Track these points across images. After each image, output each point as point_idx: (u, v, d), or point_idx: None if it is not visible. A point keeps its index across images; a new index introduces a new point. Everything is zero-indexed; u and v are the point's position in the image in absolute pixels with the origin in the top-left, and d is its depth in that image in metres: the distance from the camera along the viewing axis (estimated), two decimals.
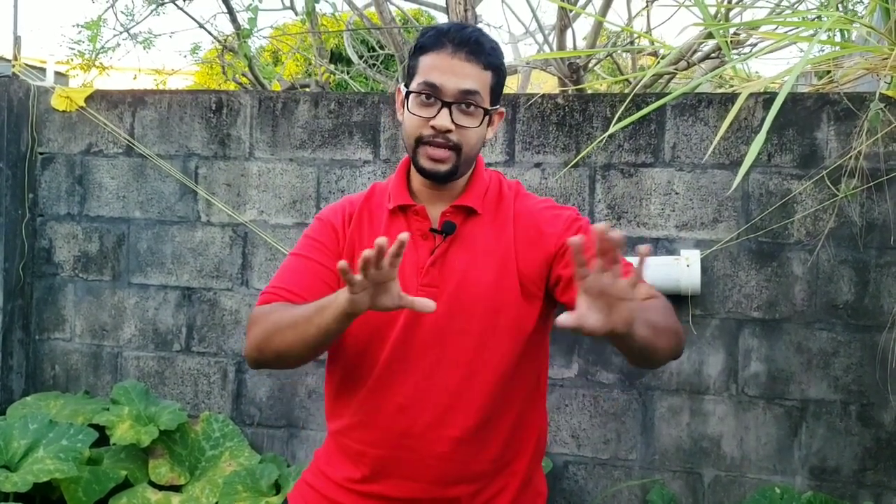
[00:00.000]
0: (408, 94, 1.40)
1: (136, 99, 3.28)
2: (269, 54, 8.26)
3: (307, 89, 5.25)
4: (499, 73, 1.41)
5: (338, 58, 7.99)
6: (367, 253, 1.14)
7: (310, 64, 6.65)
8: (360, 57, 6.41)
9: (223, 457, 2.95)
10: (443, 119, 1.36)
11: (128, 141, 3.25)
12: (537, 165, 2.90)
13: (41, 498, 2.77)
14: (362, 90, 6.72)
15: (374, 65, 6.54)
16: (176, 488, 2.86)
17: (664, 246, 2.82)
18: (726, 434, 2.76)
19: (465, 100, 1.36)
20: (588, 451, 2.86)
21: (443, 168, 1.39)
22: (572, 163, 2.84)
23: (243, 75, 5.45)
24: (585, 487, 2.86)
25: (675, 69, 4.29)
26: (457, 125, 1.37)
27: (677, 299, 2.76)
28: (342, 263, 1.15)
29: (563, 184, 2.88)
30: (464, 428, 1.40)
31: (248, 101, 3.17)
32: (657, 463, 2.81)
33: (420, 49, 1.41)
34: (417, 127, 1.38)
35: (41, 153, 3.35)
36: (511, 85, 6.73)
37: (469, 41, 1.38)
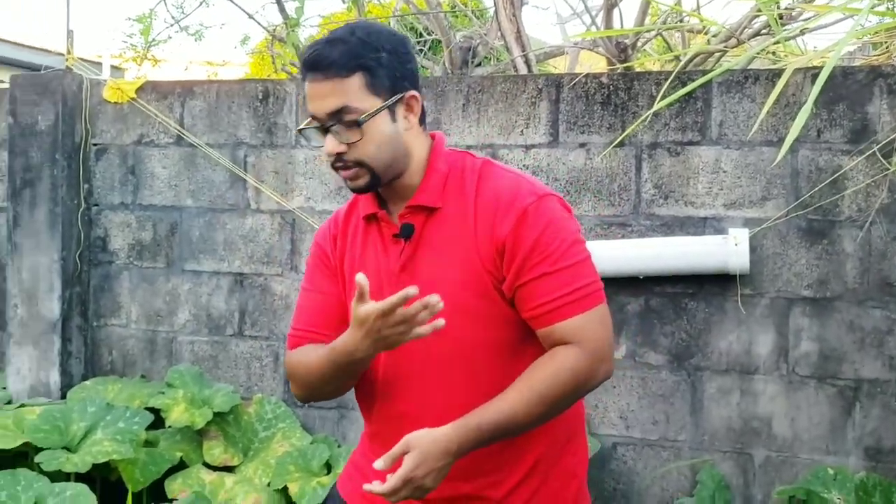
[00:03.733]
0: (300, 131, 1.41)
1: (186, 89, 3.35)
2: None
3: None
4: (374, 66, 1.32)
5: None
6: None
7: None
8: None
9: (275, 438, 3.01)
10: (329, 145, 1.34)
11: (178, 131, 3.32)
12: (582, 146, 2.88)
13: (100, 478, 2.86)
14: None
15: (420, 51, 6.55)
16: (230, 469, 2.93)
17: (712, 225, 2.78)
18: (777, 414, 2.72)
19: (335, 120, 1.32)
20: (636, 432, 2.84)
21: (361, 183, 1.36)
22: (616, 141, 2.81)
23: (292, 64, 5.51)
24: (634, 468, 2.85)
25: (726, 47, 4.21)
26: (346, 144, 1.32)
27: (726, 279, 2.72)
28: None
29: (609, 163, 2.86)
30: None
31: (293, 89, 3.21)
32: (706, 443, 2.78)
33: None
34: (326, 156, 1.37)
35: (95, 144, 3.44)
36: (558, 66, 6.68)
37: (313, 60, 1.32)
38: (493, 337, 1.38)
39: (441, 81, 3.05)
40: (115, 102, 3.41)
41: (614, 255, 2.78)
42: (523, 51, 4.28)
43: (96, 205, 3.45)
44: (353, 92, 1.31)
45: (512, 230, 1.33)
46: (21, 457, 2.83)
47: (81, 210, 3.40)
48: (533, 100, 2.92)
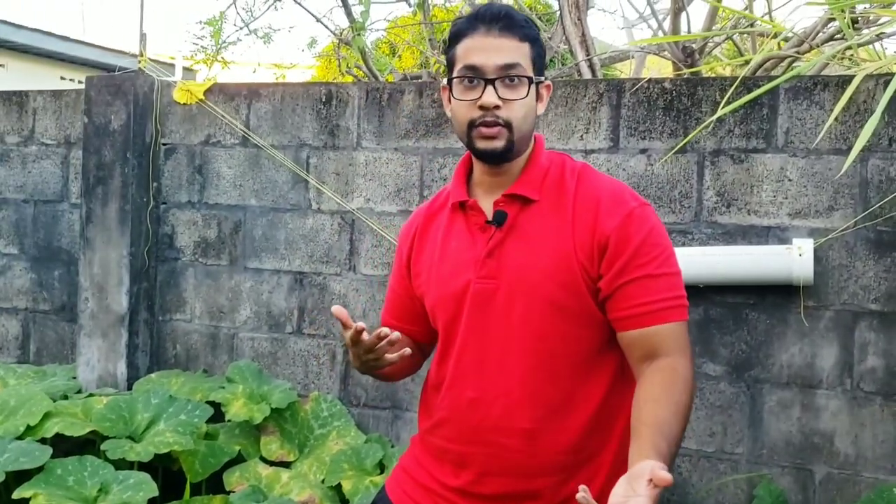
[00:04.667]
0: (449, 80, 1.42)
1: (252, 92, 3.43)
2: (386, 47, 8.41)
3: (419, 80, 5.32)
4: (537, 44, 1.40)
5: None
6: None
7: (422, 56, 6.73)
8: None
9: (331, 435, 3.05)
10: (489, 96, 1.36)
11: (243, 132, 3.40)
12: (643, 151, 2.85)
13: (162, 468, 2.95)
14: None
15: None
16: (285, 464, 2.98)
17: (776, 234, 2.72)
18: (840, 430, 2.64)
19: (507, 73, 1.36)
20: (693, 443, 2.80)
21: (498, 145, 1.38)
22: (677, 147, 2.77)
23: (358, 68, 5.58)
24: (689, 480, 2.80)
25: (797, 52, 4.11)
26: (504, 100, 1.36)
27: (788, 290, 2.66)
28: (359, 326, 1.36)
29: (670, 170, 2.82)
30: (534, 419, 1.40)
31: (355, 92, 3.26)
32: (765, 458, 2.71)
33: (454, 38, 1.43)
34: (466, 111, 1.39)
35: (164, 144, 3.55)
36: (624, 70, 6.61)
37: (500, 16, 1.39)
38: (576, 333, 1.40)
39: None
40: (184, 104, 3.51)
41: None
42: (588, 55, 4.25)
43: (164, 203, 3.56)
44: (525, 57, 1.38)
45: (618, 227, 1.36)
46: (88, 444, 2.94)
47: (150, 208, 3.51)
48: (594, 104, 2.90)
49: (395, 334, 1.36)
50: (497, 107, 1.36)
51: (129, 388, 3.34)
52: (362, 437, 3.07)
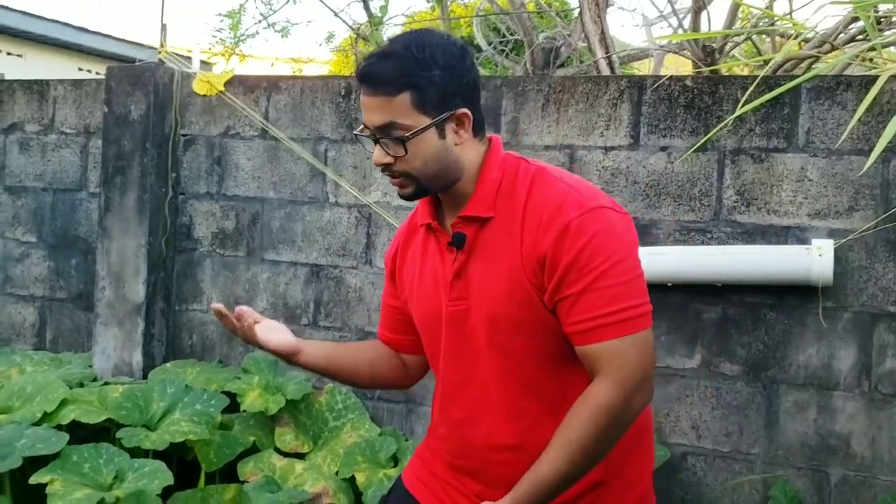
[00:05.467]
0: (355, 135, 1.44)
1: (271, 84, 3.43)
2: None
3: None
4: (417, 86, 1.32)
5: (468, 44, 8.04)
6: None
7: None
8: (489, 43, 6.44)
9: (345, 428, 3.06)
10: (376, 156, 1.37)
11: (263, 124, 3.41)
12: (663, 149, 2.84)
13: (177, 457, 2.96)
14: (489, 76, 6.73)
15: (503, 51, 6.55)
16: (300, 455, 2.99)
17: (795, 234, 2.70)
18: (856, 433, 2.63)
19: (383, 134, 1.34)
20: (708, 442, 2.79)
21: (408, 192, 1.40)
22: (698, 145, 2.76)
23: None
24: (704, 479, 2.79)
25: (819, 52, 4.08)
26: (393, 157, 1.35)
27: (807, 290, 2.64)
28: (214, 306, 1.48)
29: (690, 168, 2.81)
30: (518, 433, 1.41)
31: None
32: (781, 458, 2.70)
33: None
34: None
35: (183, 135, 3.56)
36: (642, 69, 6.58)
37: (364, 75, 1.34)
38: (542, 346, 1.38)
39: (521, 81, 3.04)
40: (204, 95, 3.52)
41: (692, 261, 2.73)
42: (607, 52, 4.24)
43: (182, 193, 3.57)
44: (401, 109, 1.32)
45: (552, 244, 1.31)
46: (104, 432, 2.95)
47: (168, 198, 3.52)
48: (614, 101, 2.90)
49: (243, 310, 1.50)
50: (385, 165, 1.37)
51: (145, 377, 3.36)
52: (376, 429, 3.07)
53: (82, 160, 3.77)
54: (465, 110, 1.36)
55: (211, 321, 3.50)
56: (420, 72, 1.32)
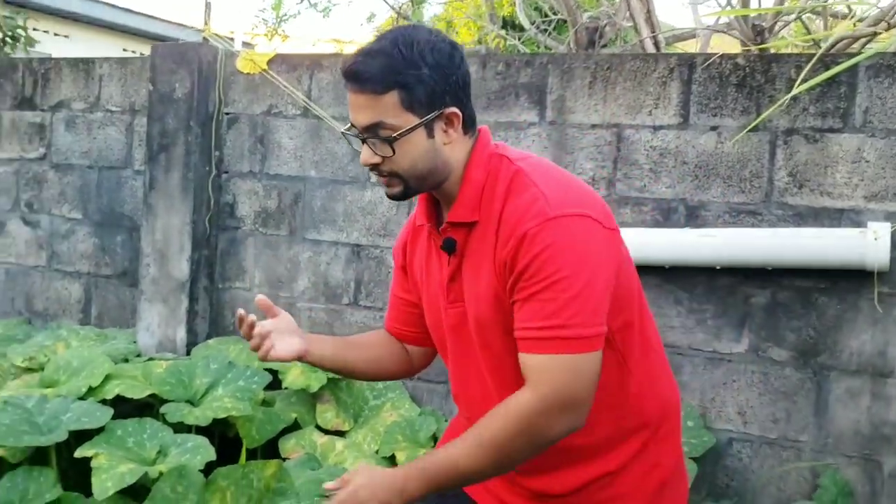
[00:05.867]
0: (343, 133, 1.41)
1: (314, 63, 3.42)
2: (443, 23, 8.36)
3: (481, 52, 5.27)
4: (405, 85, 1.29)
5: (509, 25, 7.97)
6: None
7: (480, 31, 6.66)
8: (532, 23, 6.36)
9: (385, 407, 3.05)
10: (364, 155, 1.35)
11: (305, 103, 3.40)
12: (713, 129, 2.77)
13: (219, 433, 2.98)
14: (534, 53, 6.66)
15: (545, 30, 6.46)
16: (340, 433, 2.99)
17: (849, 217, 2.62)
18: None
19: (370, 133, 1.32)
20: (755, 429, 2.73)
21: (396, 192, 1.38)
22: (751, 126, 2.68)
23: None
24: (750, 466, 2.74)
25: (875, 31, 3.95)
26: (380, 156, 1.33)
27: (861, 275, 2.57)
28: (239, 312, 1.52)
29: (741, 149, 2.74)
30: None
31: None
32: (830, 447, 2.64)
33: None
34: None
35: (227, 113, 3.57)
36: (688, 49, 6.45)
37: (351, 74, 1.31)
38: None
39: (568, 58, 2.99)
40: (248, 73, 3.52)
41: (741, 243, 2.67)
42: (653, 32, 4.15)
43: (226, 172, 3.58)
44: (388, 108, 1.30)
45: (511, 251, 1.29)
46: (147, 407, 2.98)
47: (212, 177, 3.53)
48: (663, 79, 2.83)
49: (251, 318, 1.50)
50: (373, 164, 1.35)
51: (188, 353, 3.38)
52: (416, 409, 3.06)
53: (127, 138, 3.80)
54: (455, 109, 1.34)
55: (253, 299, 3.50)
56: (408, 70, 1.29)
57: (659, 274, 2.79)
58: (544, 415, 1.26)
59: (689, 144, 2.80)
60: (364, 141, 1.34)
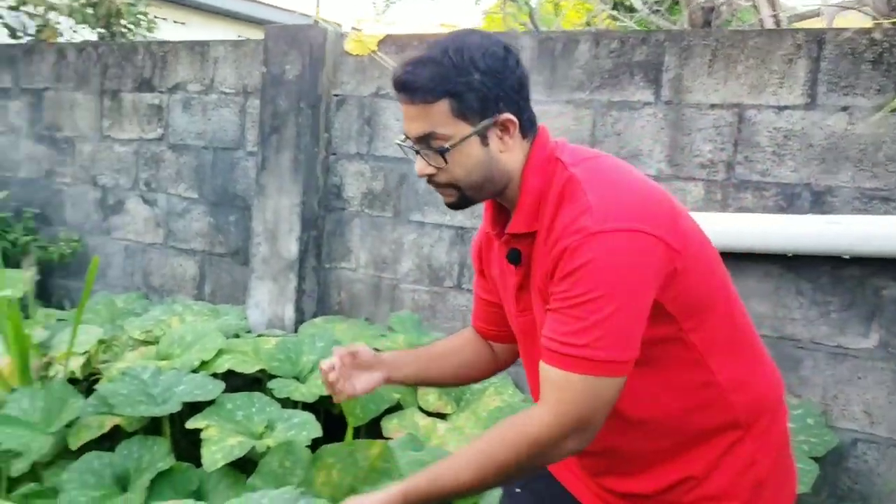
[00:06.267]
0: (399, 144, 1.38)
1: (422, 43, 3.38)
2: (550, 5, 8.23)
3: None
4: (456, 93, 1.25)
5: (620, 6, 7.77)
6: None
7: (589, 12, 6.52)
8: (644, 2, 6.17)
9: (487, 391, 3.02)
10: (417, 166, 1.31)
11: None
12: (844, 109, 2.60)
13: (324, 410, 3.01)
14: (650, 31, 6.47)
15: (657, 11, 6.26)
16: (442, 416, 2.97)
17: None
18: None
19: (423, 144, 1.28)
20: (882, 429, 2.56)
21: (453, 201, 1.35)
22: (889, 106, 2.50)
23: (523, 25, 5.47)
24: (876, 469, 2.57)
25: None
26: (435, 167, 1.29)
27: None
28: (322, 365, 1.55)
29: (875, 130, 2.55)
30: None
31: (527, 42, 3.15)
32: None
33: None
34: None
35: (335, 95, 3.59)
36: (815, 24, 6.12)
37: (400, 84, 1.28)
38: None
39: (686, 35, 2.86)
40: (356, 55, 3.53)
41: (874, 232, 2.49)
42: (774, 10, 3.94)
43: (334, 153, 3.61)
44: (439, 118, 1.26)
45: (552, 262, 1.25)
46: (256, 382, 3.05)
47: (321, 158, 3.57)
48: (789, 57, 2.67)
49: (331, 365, 1.52)
50: (431, 174, 1.31)
51: (295, 331, 3.44)
52: (520, 395, 3.01)
53: (240, 119, 3.88)
54: (510, 115, 1.28)
55: (358, 280, 3.54)
56: (458, 78, 1.25)
57: (780, 263, 2.65)
58: (558, 437, 1.22)
59: (816, 126, 2.63)
60: (417, 152, 1.31)
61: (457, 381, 1.71)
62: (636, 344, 1.22)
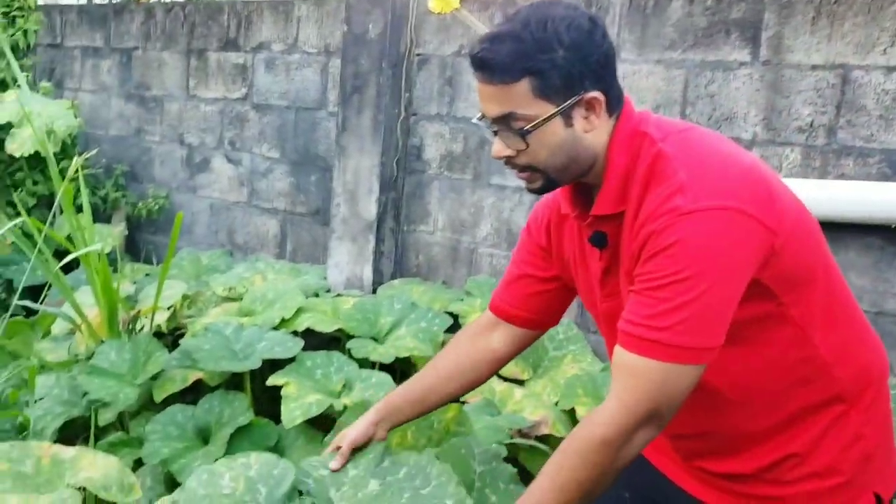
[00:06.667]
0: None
1: (507, 1, 3.30)
2: None
3: None
4: (538, 71, 1.17)
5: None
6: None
7: None
8: None
9: (565, 359, 2.97)
10: (496, 148, 1.24)
11: None
12: None
13: (400, 371, 3.02)
14: None
15: None
16: (518, 382, 2.94)
17: None
18: None
19: (502, 125, 1.21)
20: None
21: (535, 186, 1.28)
22: None
23: None
24: None
25: None
26: (514, 149, 1.23)
27: None
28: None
29: None
30: (688, 426, 1.34)
31: None
32: None
33: None
34: None
35: (417, 55, 3.54)
36: None
37: (477, 62, 1.21)
38: None
39: None
40: (439, 13, 3.46)
41: None
42: None
43: (414, 114, 3.57)
44: (520, 98, 1.19)
45: (640, 243, 1.19)
46: (334, 341, 3.07)
47: (401, 119, 3.54)
48: None
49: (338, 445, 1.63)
50: (505, 157, 1.26)
51: (373, 292, 3.45)
52: (599, 364, 2.95)
53: (322, 79, 3.88)
54: (596, 94, 1.21)
55: (436, 242, 3.51)
56: (541, 55, 1.17)
57: (882, 234, 2.50)
58: (628, 431, 1.17)
59: None
60: (496, 133, 1.24)
61: (460, 394, 1.71)
62: (722, 332, 1.15)
